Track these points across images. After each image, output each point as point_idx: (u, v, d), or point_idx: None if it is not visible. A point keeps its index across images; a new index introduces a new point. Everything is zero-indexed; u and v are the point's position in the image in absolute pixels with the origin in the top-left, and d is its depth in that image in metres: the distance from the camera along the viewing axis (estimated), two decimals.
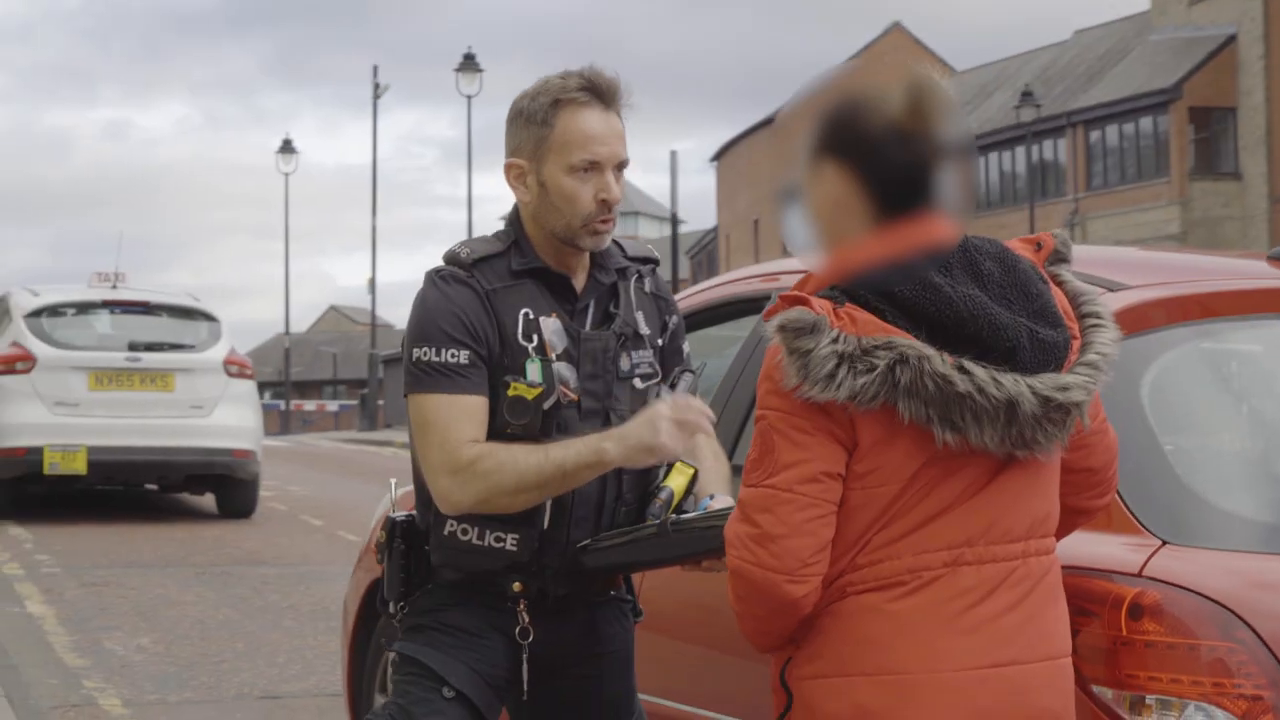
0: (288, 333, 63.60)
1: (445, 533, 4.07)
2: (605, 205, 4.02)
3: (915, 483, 3.25)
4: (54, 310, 17.96)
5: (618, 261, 4.19)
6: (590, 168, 4.00)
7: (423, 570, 4.16)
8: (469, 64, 42.89)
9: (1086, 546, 3.77)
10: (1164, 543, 3.76)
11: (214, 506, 18.78)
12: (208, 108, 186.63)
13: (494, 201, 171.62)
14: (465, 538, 4.04)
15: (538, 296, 4.06)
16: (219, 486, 18.26)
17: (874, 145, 3.28)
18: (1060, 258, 3.52)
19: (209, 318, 18.37)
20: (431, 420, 3.96)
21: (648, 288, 4.24)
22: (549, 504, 4.00)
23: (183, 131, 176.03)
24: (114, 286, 18.44)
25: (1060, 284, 3.47)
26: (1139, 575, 3.69)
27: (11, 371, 17.15)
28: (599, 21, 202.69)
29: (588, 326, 4.10)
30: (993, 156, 62.81)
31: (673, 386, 4.17)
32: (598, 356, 4.07)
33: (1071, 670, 3.41)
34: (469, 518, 4.02)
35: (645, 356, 4.16)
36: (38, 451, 16.92)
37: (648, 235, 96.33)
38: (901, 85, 3.30)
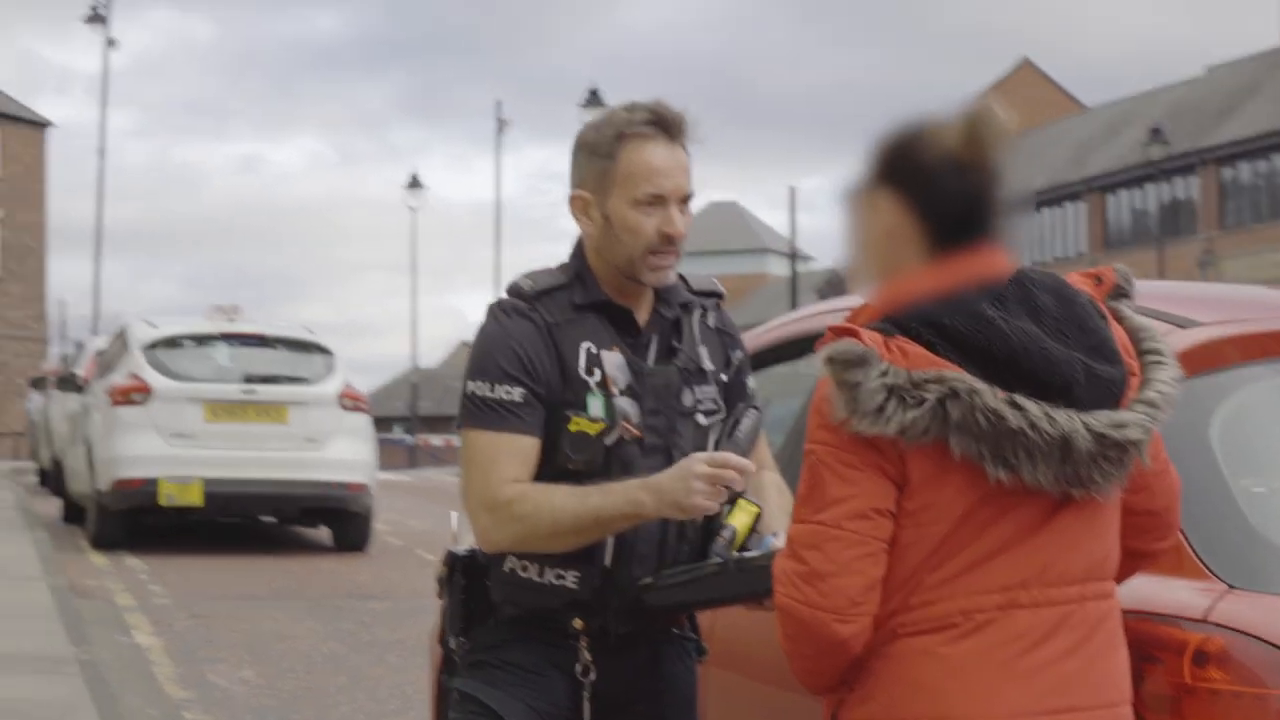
0: (416, 367, 63.94)
1: (505, 569, 4.03)
2: (668, 239, 3.98)
3: (968, 522, 3.18)
4: (171, 342, 18.17)
5: (681, 296, 4.15)
6: (654, 201, 3.96)
7: (483, 606, 4.12)
8: (594, 100, 43.01)
9: (1150, 591, 3.67)
10: (1231, 587, 3.65)
11: (329, 540, 18.86)
12: (340, 144, 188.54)
13: None
14: (525, 575, 4.00)
15: (600, 330, 4.02)
16: (333, 520, 18.37)
17: (930, 175, 3.23)
18: (1121, 293, 3.45)
19: (324, 351, 18.49)
20: (477, 457, 3.94)
21: (711, 322, 4.19)
22: (611, 541, 3.95)
23: (315, 167, 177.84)
24: (230, 319, 18.60)
25: (1120, 319, 3.39)
26: (1204, 621, 3.57)
27: (129, 403, 17.34)
28: (729, 58, 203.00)
29: (650, 361, 4.05)
30: (1123, 194, 62.36)
31: (737, 423, 4.10)
32: (660, 392, 4.02)
33: (1131, 718, 3.31)
34: (529, 554, 3.98)
35: (709, 392, 4.11)
36: (153, 483, 17.12)
37: (775, 273, 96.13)
38: (959, 115, 3.25)
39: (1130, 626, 3.57)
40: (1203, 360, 3.97)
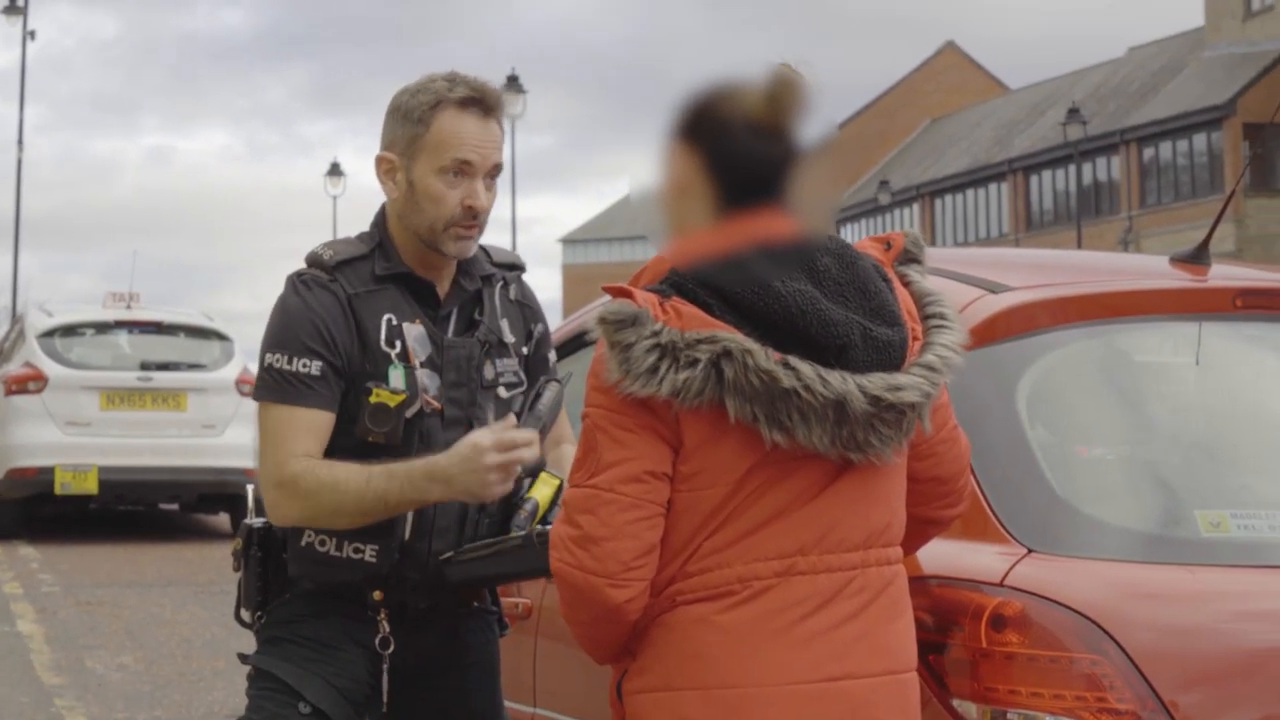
0: None
1: (302, 543, 3.96)
2: (470, 211, 3.93)
3: (745, 486, 3.13)
4: (68, 330, 18.01)
5: (483, 268, 4.11)
6: (460, 170, 3.92)
7: (280, 580, 4.06)
8: (513, 85, 42.87)
9: (951, 556, 3.64)
10: (1030, 551, 3.61)
11: (229, 527, 18.72)
12: (248, 135, 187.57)
13: (541, 224, 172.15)
14: (323, 549, 3.94)
15: (401, 302, 3.97)
16: (232, 506, 18.21)
17: (725, 134, 3.19)
18: (911, 257, 3.42)
19: (222, 337, 18.36)
20: (270, 430, 3.89)
21: (513, 295, 4.16)
22: (410, 515, 3.90)
23: (226, 159, 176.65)
24: (128, 306, 18.43)
25: (907, 284, 3.35)
26: (1001, 585, 3.54)
27: (24, 391, 17.17)
28: (639, 46, 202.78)
29: (450, 334, 4.01)
30: (1045, 175, 62.61)
31: (539, 395, 4.06)
32: (461, 364, 3.98)
33: (916, 686, 3.28)
34: (326, 529, 3.91)
35: (510, 365, 4.07)
36: (49, 471, 16.95)
37: None
38: (764, 78, 3.20)
39: (933, 591, 3.59)
40: (1013, 324, 3.95)
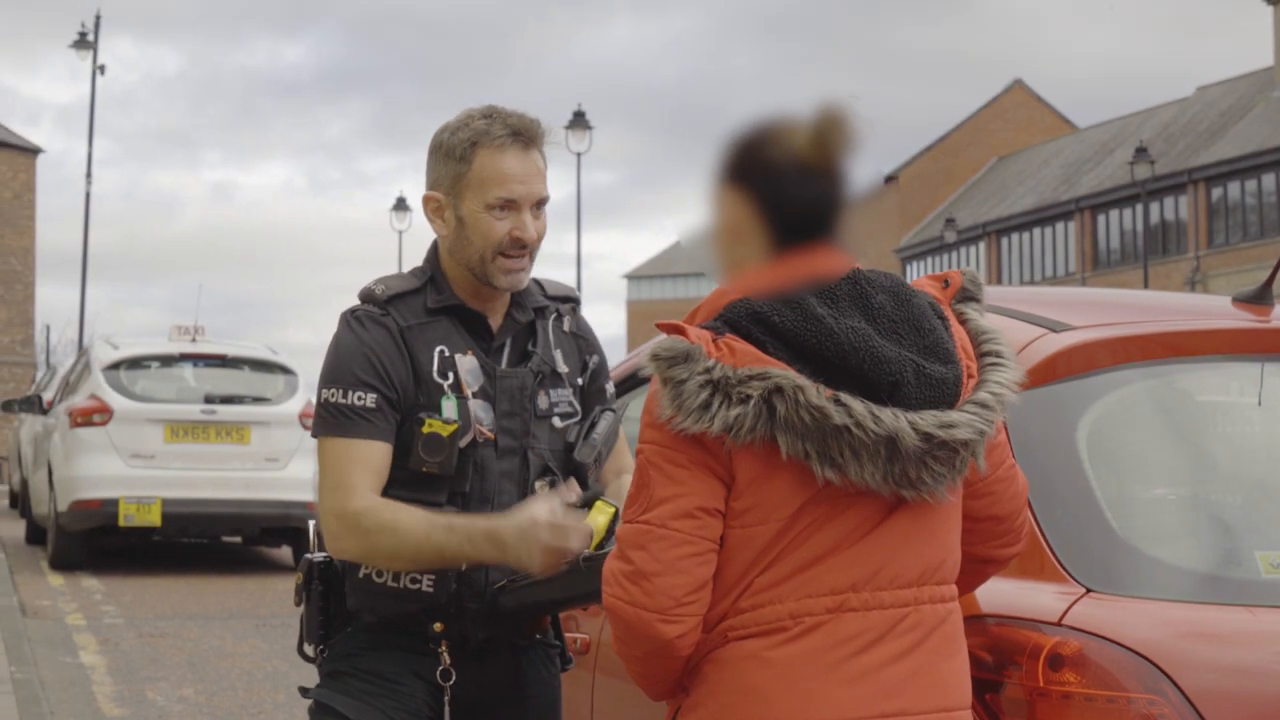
0: None
1: (360, 575, 3.99)
2: (519, 242, 3.96)
3: (797, 523, 3.12)
4: (133, 363, 18.09)
5: (536, 300, 4.13)
6: (506, 206, 3.95)
7: (342, 613, 4.08)
8: (579, 121, 42.95)
9: (1010, 594, 3.62)
10: (1088, 590, 3.59)
11: (291, 559, 18.76)
12: (309, 170, 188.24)
13: (602, 259, 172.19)
14: (380, 580, 3.97)
15: (453, 334, 4.00)
16: (295, 539, 18.24)
17: (775, 176, 3.20)
18: (969, 295, 3.41)
19: (286, 370, 18.41)
20: (329, 463, 3.92)
21: (566, 327, 4.18)
22: None
23: (288, 194, 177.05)
24: (193, 339, 18.48)
25: (964, 322, 3.34)
26: (1059, 624, 3.53)
27: (89, 424, 17.23)
28: (695, 84, 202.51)
29: (504, 365, 4.03)
30: (1112, 214, 62.36)
31: (593, 425, 4.09)
32: (514, 394, 4.00)
33: None
34: None
35: (564, 395, 4.09)
36: (113, 503, 16.97)
37: None
38: (811, 117, 3.20)
39: (990, 630, 3.57)
40: (1074, 363, 3.94)
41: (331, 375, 3.94)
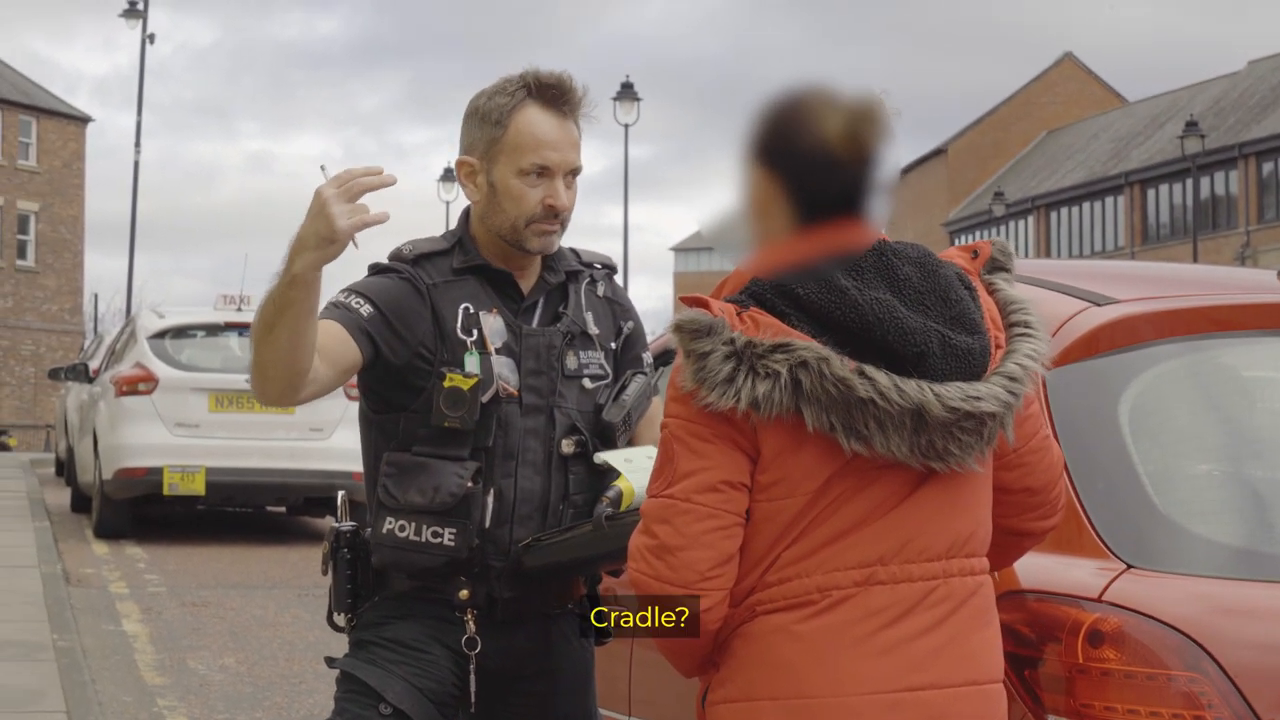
0: None
1: (384, 531, 3.94)
2: (552, 210, 3.93)
3: (825, 496, 3.08)
4: (178, 332, 18.12)
5: (569, 264, 4.11)
6: (541, 173, 3.92)
7: (369, 581, 4.04)
8: (627, 93, 42.86)
9: (1049, 570, 3.57)
10: (1129, 566, 3.52)
11: None
12: (345, 142, 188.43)
13: (647, 230, 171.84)
14: (403, 534, 3.92)
15: (479, 293, 3.98)
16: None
17: (803, 163, 3.16)
18: (998, 265, 3.36)
19: None
20: None
21: (600, 291, 4.15)
22: (490, 501, 3.90)
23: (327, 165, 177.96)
24: (239, 309, 18.46)
25: (993, 292, 3.30)
26: (1099, 600, 3.47)
27: (134, 392, 17.27)
28: (731, 58, 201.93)
29: (534, 324, 4.01)
30: (1162, 188, 62.09)
31: (624, 386, 4.08)
32: (540, 353, 3.98)
33: (1002, 697, 3.21)
34: (405, 514, 3.89)
35: (595, 357, 4.07)
36: (158, 472, 17.01)
37: None
38: (843, 104, 3.16)
39: (1030, 605, 3.53)
40: (1117, 337, 3.89)
41: (344, 289, 3.92)
